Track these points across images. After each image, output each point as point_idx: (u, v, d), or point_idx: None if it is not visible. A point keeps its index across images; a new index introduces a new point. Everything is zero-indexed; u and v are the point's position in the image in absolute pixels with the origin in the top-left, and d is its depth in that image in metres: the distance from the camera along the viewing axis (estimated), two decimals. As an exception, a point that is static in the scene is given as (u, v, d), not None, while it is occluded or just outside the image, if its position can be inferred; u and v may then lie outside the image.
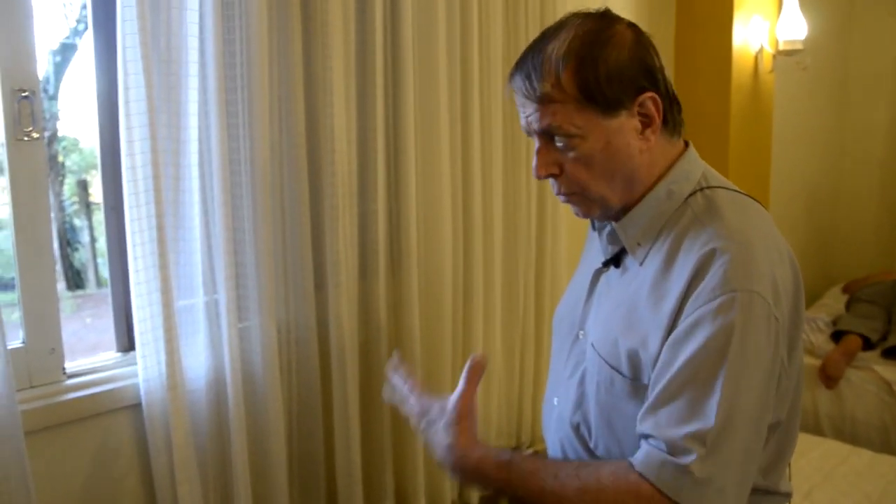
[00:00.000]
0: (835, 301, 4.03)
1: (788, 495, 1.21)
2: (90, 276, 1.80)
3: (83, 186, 1.78)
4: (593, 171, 1.10)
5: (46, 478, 1.50)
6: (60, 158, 1.70)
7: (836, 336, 3.52)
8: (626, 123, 1.09)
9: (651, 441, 1.03)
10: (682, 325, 1.03)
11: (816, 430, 3.21)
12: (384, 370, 1.95)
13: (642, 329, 1.08)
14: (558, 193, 1.16)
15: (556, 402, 1.27)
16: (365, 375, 1.95)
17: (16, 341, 1.50)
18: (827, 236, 4.63)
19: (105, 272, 1.75)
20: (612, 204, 1.14)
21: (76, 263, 1.75)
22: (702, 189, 1.14)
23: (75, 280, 1.75)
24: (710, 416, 0.98)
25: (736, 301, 1.00)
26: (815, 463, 2.47)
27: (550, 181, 1.15)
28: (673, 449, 0.99)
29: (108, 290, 1.69)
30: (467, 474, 1.16)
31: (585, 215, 1.18)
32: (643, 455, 1.02)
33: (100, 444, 1.59)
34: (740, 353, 0.99)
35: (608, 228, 1.19)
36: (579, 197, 1.14)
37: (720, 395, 0.98)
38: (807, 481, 2.32)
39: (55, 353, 1.55)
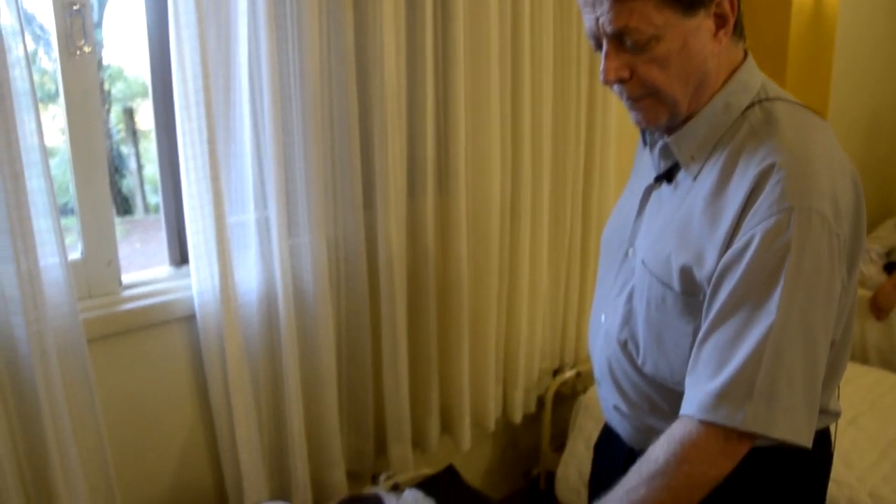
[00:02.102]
0: (890, 233, 3.92)
1: (837, 415, 1.20)
2: (138, 202, 1.83)
3: (129, 114, 1.79)
4: (668, 72, 1.06)
5: (107, 384, 1.56)
6: (106, 86, 1.70)
7: (890, 268, 3.44)
8: (702, 24, 1.04)
9: (694, 380, 1.02)
10: (738, 243, 1.00)
11: (863, 362, 3.18)
12: (431, 288, 1.97)
13: (697, 245, 1.06)
14: (626, 99, 1.12)
15: (603, 320, 1.27)
16: (413, 294, 1.97)
17: (74, 253, 1.55)
18: (886, 166, 4.47)
19: (152, 199, 1.78)
20: (681, 109, 1.09)
21: (124, 190, 1.78)
22: (760, 101, 1.09)
23: (123, 206, 1.78)
24: (765, 335, 0.96)
25: (793, 218, 0.97)
26: (861, 391, 2.45)
27: (615, 87, 1.11)
28: (726, 371, 0.97)
29: (155, 217, 1.73)
30: None
31: (650, 123, 1.13)
32: (694, 403, 1.00)
33: (156, 354, 1.65)
34: (796, 271, 0.96)
35: (660, 143, 1.16)
36: (651, 101, 1.09)
37: (776, 314, 0.96)
38: (853, 408, 2.31)
39: (112, 265, 1.59)
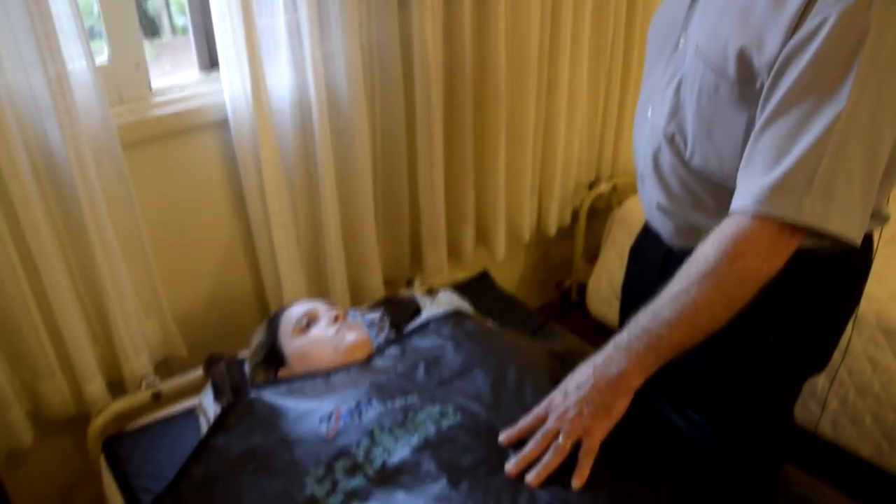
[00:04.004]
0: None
1: (885, 219, 1.16)
2: (164, 24, 1.76)
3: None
4: None
5: (144, 190, 1.58)
6: None
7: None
8: None
9: (749, 174, 0.98)
10: (808, 25, 0.92)
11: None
12: (468, 97, 1.92)
13: (758, 27, 0.98)
14: None
15: (649, 114, 1.22)
16: (449, 101, 1.92)
17: (101, 57, 1.51)
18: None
19: (179, 20, 1.72)
20: None
21: (150, 11, 1.70)
22: None
23: (150, 28, 1.71)
24: (830, 125, 0.90)
25: None
26: (903, 209, 2.41)
27: None
28: (785, 163, 0.93)
29: (183, 39, 1.68)
30: (631, 391, 1.04)
31: None
32: (748, 197, 0.96)
33: (191, 160, 1.65)
34: (873, 57, 0.89)
35: None
36: None
37: (846, 102, 0.89)
38: (892, 227, 2.26)
39: (140, 69, 1.55)
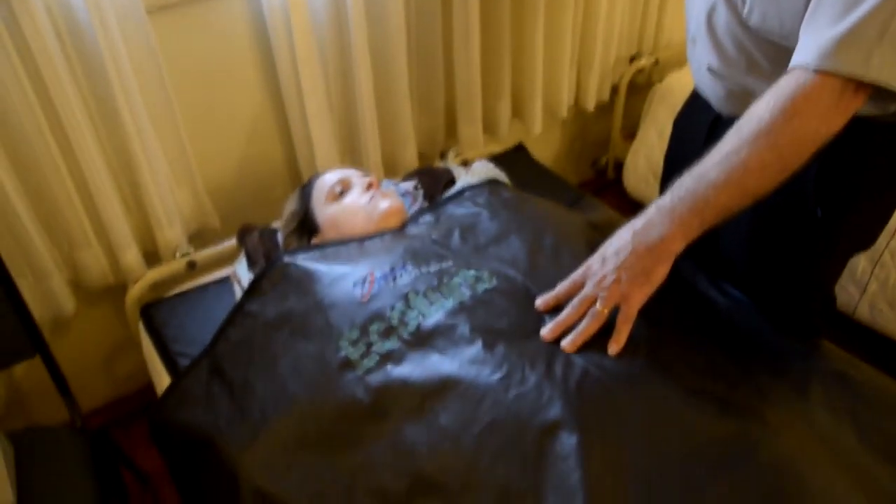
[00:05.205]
0: None
1: None
2: None
3: None
4: None
5: (172, 58, 1.53)
6: None
7: None
8: None
9: (813, 27, 0.90)
10: None
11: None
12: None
13: None
14: None
15: None
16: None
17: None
18: None
19: None
20: None
21: None
22: None
23: None
24: None
25: None
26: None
27: None
28: (855, 13, 0.85)
29: None
30: (672, 256, 0.99)
31: None
32: (810, 50, 0.89)
33: (219, 26, 1.59)
34: None
35: None
36: None
37: None
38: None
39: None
